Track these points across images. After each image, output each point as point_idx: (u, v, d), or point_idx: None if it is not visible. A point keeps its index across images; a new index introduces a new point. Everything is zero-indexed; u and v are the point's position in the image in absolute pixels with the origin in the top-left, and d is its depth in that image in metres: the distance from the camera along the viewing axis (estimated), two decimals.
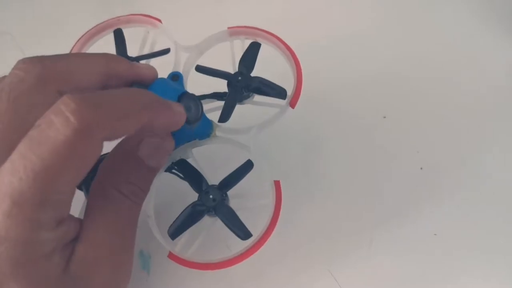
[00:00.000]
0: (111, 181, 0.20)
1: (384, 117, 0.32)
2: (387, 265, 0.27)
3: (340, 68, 0.35)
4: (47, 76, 0.18)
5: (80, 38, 0.28)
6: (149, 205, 0.23)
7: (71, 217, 0.19)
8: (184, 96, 0.22)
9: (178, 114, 0.21)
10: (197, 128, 0.24)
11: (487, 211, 0.28)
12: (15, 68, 0.18)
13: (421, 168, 0.30)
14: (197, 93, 0.27)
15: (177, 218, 0.23)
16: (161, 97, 0.20)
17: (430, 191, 0.29)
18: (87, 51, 0.29)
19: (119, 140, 0.21)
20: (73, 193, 0.18)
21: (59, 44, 0.28)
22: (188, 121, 0.22)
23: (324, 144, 0.30)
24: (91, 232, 0.19)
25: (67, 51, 0.28)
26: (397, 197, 0.29)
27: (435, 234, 0.28)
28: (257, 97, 0.27)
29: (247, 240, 0.23)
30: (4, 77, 0.19)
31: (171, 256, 0.22)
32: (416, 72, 0.35)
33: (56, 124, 0.16)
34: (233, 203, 0.24)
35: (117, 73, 0.21)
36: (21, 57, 0.32)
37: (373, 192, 0.29)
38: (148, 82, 0.22)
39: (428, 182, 0.30)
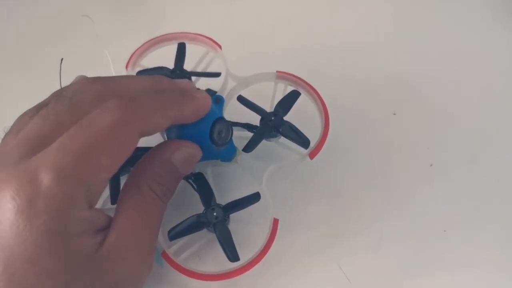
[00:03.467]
0: (146, 180, 0.22)
1: (394, 114, 0.33)
2: (396, 261, 0.27)
3: (349, 66, 0.36)
4: (105, 92, 0.21)
5: (146, 42, 0.31)
6: None
7: (100, 210, 0.21)
8: (218, 121, 0.25)
9: (203, 99, 0.24)
10: (223, 151, 0.26)
11: (497, 209, 0.29)
12: (78, 81, 0.21)
13: (431, 165, 0.30)
14: (233, 119, 0.30)
15: (179, 223, 0.25)
16: (185, 89, 0.23)
17: (439, 187, 0.30)
18: (150, 54, 0.32)
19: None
20: (104, 185, 0.20)
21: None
22: (216, 144, 0.25)
23: (334, 140, 0.30)
24: (123, 222, 0.21)
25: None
26: (407, 193, 0.30)
27: (444, 231, 0.28)
28: (283, 139, 0.29)
29: (233, 263, 0.25)
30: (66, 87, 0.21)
31: (164, 255, 0.24)
32: (426, 68, 0.35)
33: (103, 114, 0.19)
34: (232, 225, 0.27)
35: (162, 89, 0.23)
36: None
37: (383, 188, 0.30)
38: None
39: (438, 178, 0.30)
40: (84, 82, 0.21)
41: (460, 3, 0.39)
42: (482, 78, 0.35)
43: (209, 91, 0.30)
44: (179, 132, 0.24)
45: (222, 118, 0.25)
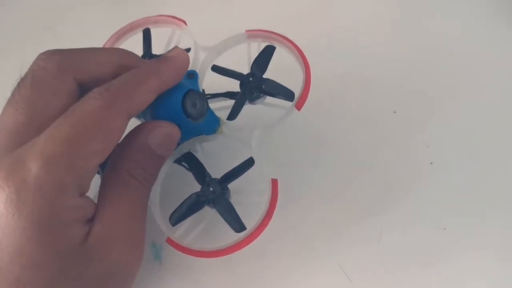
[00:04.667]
0: (124, 166, 0.22)
1: (395, 112, 0.32)
2: (396, 259, 0.27)
3: (349, 64, 0.35)
4: (66, 65, 0.21)
5: (112, 36, 0.30)
6: (155, 192, 0.25)
7: (89, 197, 0.20)
8: (189, 93, 0.23)
9: (178, 56, 0.23)
10: (204, 124, 0.25)
11: (498, 207, 0.28)
12: (37, 59, 0.21)
13: (431, 163, 0.30)
14: (212, 91, 0.29)
15: (179, 206, 0.25)
16: (159, 57, 0.23)
17: (440, 185, 0.29)
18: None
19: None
20: (95, 171, 0.20)
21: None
22: (193, 117, 0.24)
23: (334, 138, 0.30)
24: (107, 211, 0.20)
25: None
26: (407, 191, 0.29)
27: (444, 229, 0.27)
28: (268, 99, 0.28)
29: (241, 233, 0.24)
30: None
31: (169, 241, 0.24)
32: (426, 66, 0.35)
33: (86, 103, 0.19)
34: (233, 198, 0.26)
35: (129, 66, 0.23)
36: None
37: (383, 186, 0.29)
38: None
39: (438, 176, 0.30)
40: (42, 57, 0.21)
41: (461, 2, 0.38)
42: (483, 76, 0.34)
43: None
44: (152, 113, 0.24)
45: (192, 90, 0.24)
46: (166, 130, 0.23)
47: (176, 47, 0.24)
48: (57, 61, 0.21)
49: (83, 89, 0.21)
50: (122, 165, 0.22)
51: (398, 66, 0.35)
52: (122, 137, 0.22)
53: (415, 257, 0.27)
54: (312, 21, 0.38)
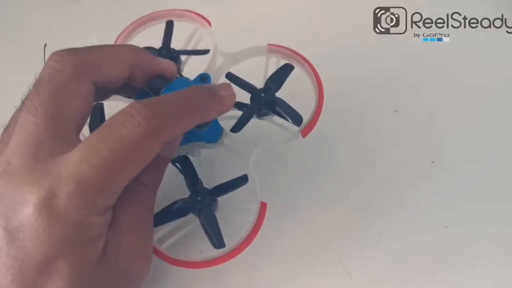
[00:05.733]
0: None
1: (396, 111, 0.32)
2: (397, 257, 0.27)
3: (351, 63, 0.35)
4: (82, 66, 0.20)
5: (133, 22, 0.30)
6: None
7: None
8: None
9: (229, 100, 0.23)
10: (206, 132, 0.25)
11: (498, 206, 0.28)
12: (50, 60, 0.20)
13: (433, 162, 0.30)
14: None
15: (163, 208, 0.24)
16: (212, 90, 0.22)
17: (441, 184, 0.29)
18: (138, 34, 0.31)
19: None
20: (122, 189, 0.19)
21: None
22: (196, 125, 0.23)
23: (336, 137, 0.30)
24: (120, 219, 0.20)
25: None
26: (409, 189, 0.29)
27: (445, 227, 0.27)
28: (276, 117, 0.27)
29: (219, 249, 0.23)
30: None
31: None
32: (428, 66, 0.35)
33: (128, 125, 0.18)
34: (220, 210, 0.25)
35: (141, 65, 0.22)
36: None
37: (384, 184, 0.29)
38: (168, 77, 0.24)
39: (440, 175, 0.30)
40: (57, 59, 0.20)
41: (461, 2, 0.38)
42: (483, 75, 0.34)
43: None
44: None
45: None
46: None
47: (229, 85, 0.23)
48: (73, 62, 0.20)
49: (98, 89, 0.21)
50: None
51: (399, 64, 0.35)
52: None
53: (415, 254, 0.27)
54: (311, 22, 0.38)
